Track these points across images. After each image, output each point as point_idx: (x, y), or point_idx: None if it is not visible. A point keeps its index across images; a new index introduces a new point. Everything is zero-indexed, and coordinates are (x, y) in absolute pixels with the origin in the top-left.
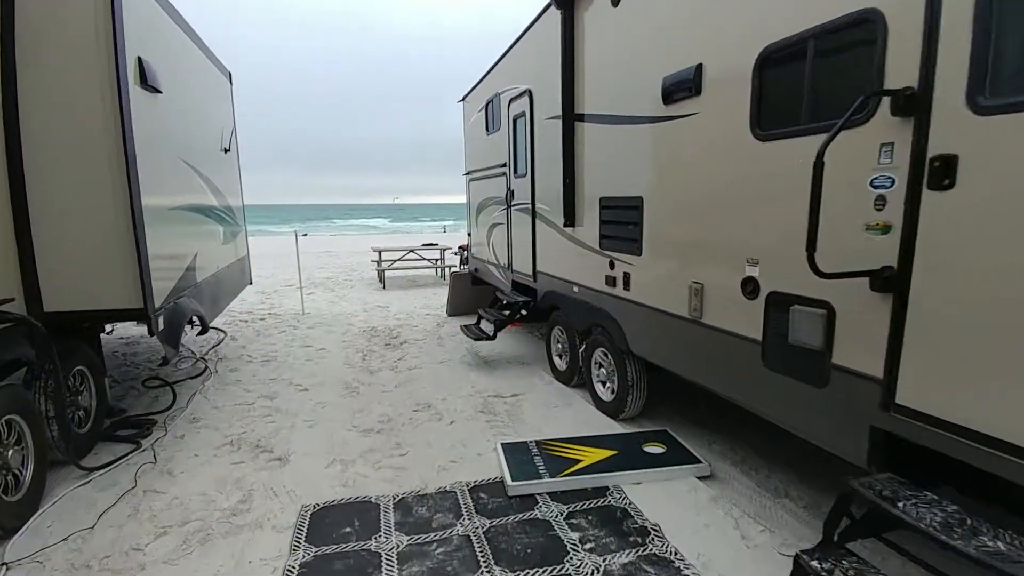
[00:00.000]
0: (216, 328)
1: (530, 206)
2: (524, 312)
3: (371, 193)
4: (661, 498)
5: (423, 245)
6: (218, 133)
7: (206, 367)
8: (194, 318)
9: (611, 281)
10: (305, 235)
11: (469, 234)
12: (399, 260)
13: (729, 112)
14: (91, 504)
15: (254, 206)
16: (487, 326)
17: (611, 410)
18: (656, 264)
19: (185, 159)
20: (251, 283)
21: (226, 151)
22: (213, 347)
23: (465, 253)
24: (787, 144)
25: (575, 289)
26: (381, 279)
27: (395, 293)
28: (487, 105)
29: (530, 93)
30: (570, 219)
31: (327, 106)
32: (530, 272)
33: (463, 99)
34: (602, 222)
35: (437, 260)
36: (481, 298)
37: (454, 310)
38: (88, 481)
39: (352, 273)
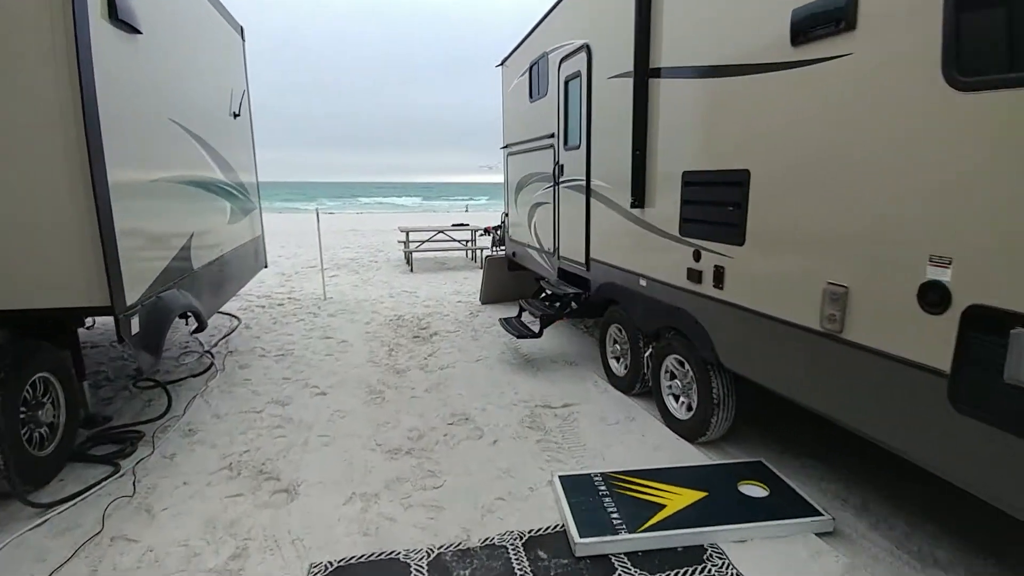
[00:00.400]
0: (229, 314)
1: (584, 183)
2: (574, 306)
3: (401, 171)
4: (775, 566)
5: (453, 225)
6: (226, 95)
7: (212, 363)
8: (188, 314)
9: (695, 276)
10: (331, 213)
11: (506, 215)
12: (428, 241)
13: (905, 51)
14: (40, 556)
15: (279, 183)
16: (531, 321)
17: (687, 431)
18: (767, 257)
19: (178, 121)
20: (266, 266)
21: (235, 116)
22: (224, 337)
23: (497, 234)
24: (1012, 96)
25: (642, 283)
26: (408, 261)
27: (423, 277)
28: (531, 68)
29: (588, 49)
30: (639, 198)
31: (357, 81)
32: (582, 260)
33: (502, 63)
34: (684, 202)
35: (468, 242)
36: (518, 285)
37: (488, 298)
38: (43, 522)
39: (378, 254)
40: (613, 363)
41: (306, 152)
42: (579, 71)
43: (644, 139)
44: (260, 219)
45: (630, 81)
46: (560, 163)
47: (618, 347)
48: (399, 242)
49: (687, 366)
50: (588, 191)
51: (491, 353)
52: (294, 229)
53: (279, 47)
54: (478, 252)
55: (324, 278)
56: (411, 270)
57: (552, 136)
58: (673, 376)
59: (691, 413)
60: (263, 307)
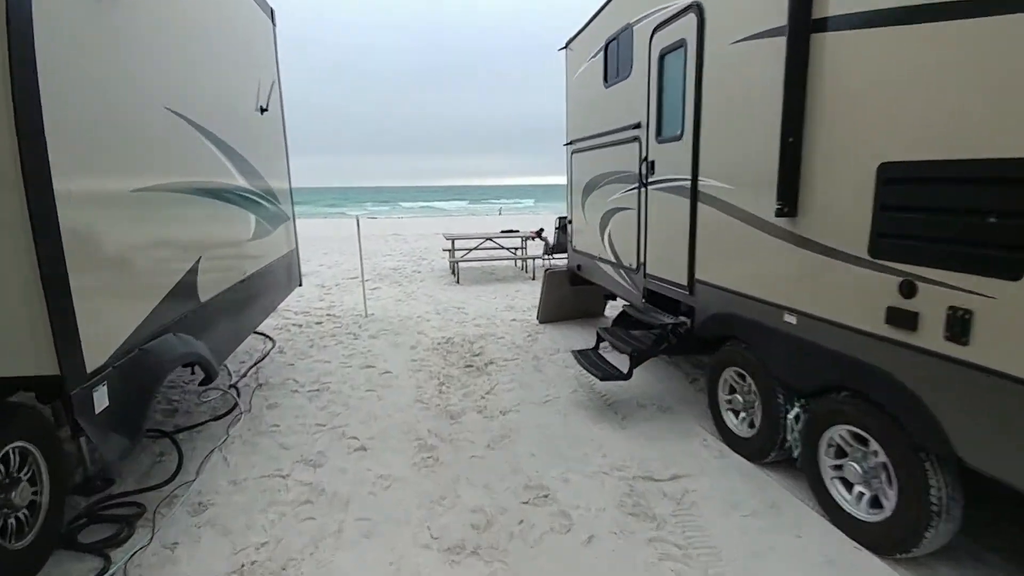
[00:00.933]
0: (263, 334)
1: (687, 183)
2: (673, 340)
3: (446, 174)
4: None
5: (502, 232)
6: (250, 86)
7: (236, 403)
8: (191, 365)
9: (904, 320)
10: (374, 218)
11: (569, 221)
12: (475, 249)
13: None
14: None
15: (325, 188)
16: (617, 360)
17: (878, 539)
18: None
19: (181, 112)
20: (300, 284)
21: (263, 111)
22: (254, 365)
23: (550, 241)
24: None
25: (788, 319)
26: (454, 272)
27: (471, 289)
28: (607, 46)
29: (698, 8)
30: (788, 203)
31: (404, 83)
32: (682, 281)
33: (565, 46)
34: (883, 209)
35: (518, 249)
36: (582, 301)
37: (548, 316)
38: None
39: (421, 262)
40: (730, 418)
41: (353, 157)
42: (683, 40)
43: (800, 121)
44: (294, 231)
45: (773, 42)
46: (649, 159)
47: (739, 398)
48: (444, 250)
49: (874, 444)
50: (694, 193)
51: (561, 391)
52: (337, 234)
53: (334, 66)
54: (530, 263)
55: (365, 292)
56: (457, 281)
57: (637, 127)
58: (842, 453)
59: (884, 514)
60: (300, 326)
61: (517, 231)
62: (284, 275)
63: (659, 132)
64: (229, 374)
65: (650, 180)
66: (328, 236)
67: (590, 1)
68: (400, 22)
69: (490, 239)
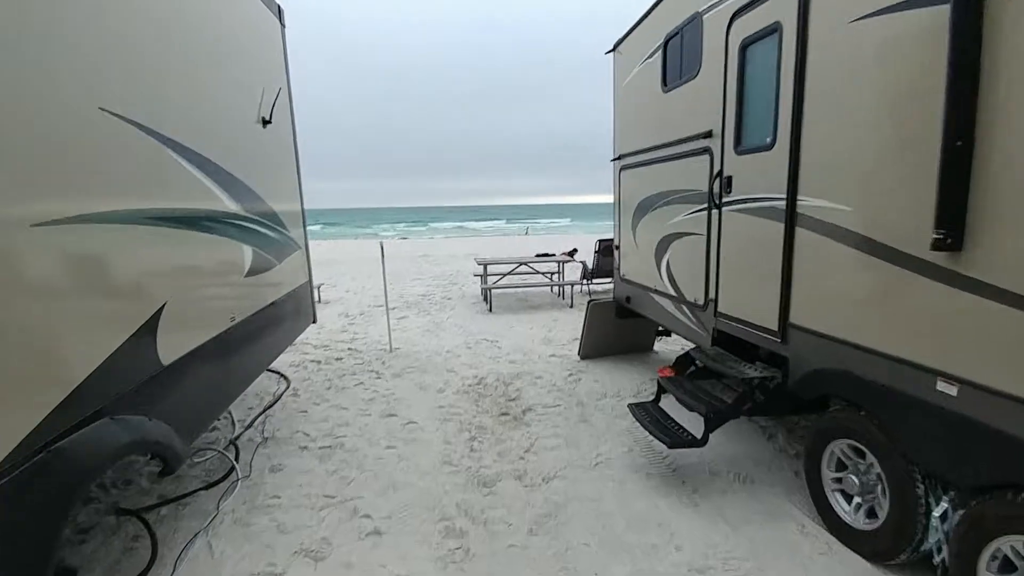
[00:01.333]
0: (277, 373)
1: (781, 203)
2: (760, 397)
3: (480, 194)
4: None
5: (537, 256)
6: (250, 93)
7: (233, 467)
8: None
9: None
10: (404, 238)
11: (616, 246)
12: (509, 273)
13: None
14: None
15: (356, 209)
16: (680, 413)
17: None
18: None
19: (130, 117)
20: (315, 321)
21: (266, 123)
22: (263, 412)
23: (589, 266)
24: None
25: (946, 388)
26: (486, 299)
27: (504, 319)
28: (667, 44)
29: None
30: (952, 230)
31: (445, 104)
32: (770, 324)
33: (613, 49)
34: None
35: (554, 274)
36: (629, 335)
37: (591, 351)
38: None
39: (451, 288)
40: (838, 502)
41: (388, 178)
42: (776, 24)
43: (971, 117)
44: (307, 261)
45: (920, 16)
46: (725, 175)
47: (853, 479)
48: (475, 275)
49: None
50: (791, 216)
51: (613, 449)
52: (366, 256)
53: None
54: (566, 289)
55: (390, 324)
56: (489, 310)
57: (706, 136)
58: (1009, 566)
59: None
60: (318, 362)
61: (553, 255)
62: (292, 314)
63: (739, 141)
64: (232, 423)
65: (726, 200)
66: (358, 258)
67: (624, 15)
68: (439, 41)
69: (524, 263)
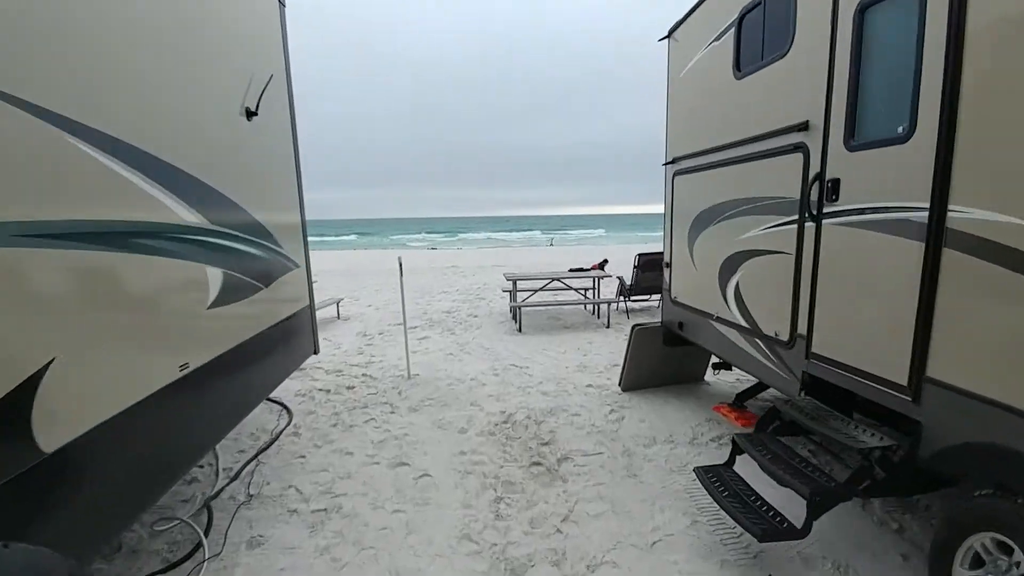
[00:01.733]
0: (278, 403)
1: (922, 215)
2: (880, 472)
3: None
4: None
5: (570, 270)
6: (230, 79)
7: (200, 542)
8: None
9: None
10: (433, 248)
11: (666, 263)
12: (541, 289)
13: None
14: None
15: (396, 220)
16: (775, 492)
17: None
18: None
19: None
20: (316, 352)
21: (251, 114)
22: (254, 458)
23: (626, 281)
24: None
25: None
26: (515, 317)
27: (535, 340)
28: (742, 19)
29: None
30: None
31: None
32: (897, 376)
33: (668, 35)
34: None
35: (588, 290)
36: (679, 365)
37: (634, 383)
38: None
39: (478, 303)
40: None
41: (425, 187)
42: None
43: None
44: (307, 280)
45: None
46: (828, 176)
47: None
48: (504, 291)
49: None
50: (936, 232)
51: (673, 522)
52: (395, 267)
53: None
54: (605, 308)
55: (408, 347)
56: (519, 329)
57: (801, 128)
58: None
59: None
60: (327, 391)
61: (586, 269)
62: (282, 348)
63: (852, 133)
64: (216, 472)
65: (828, 210)
66: (386, 269)
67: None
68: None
69: (556, 279)
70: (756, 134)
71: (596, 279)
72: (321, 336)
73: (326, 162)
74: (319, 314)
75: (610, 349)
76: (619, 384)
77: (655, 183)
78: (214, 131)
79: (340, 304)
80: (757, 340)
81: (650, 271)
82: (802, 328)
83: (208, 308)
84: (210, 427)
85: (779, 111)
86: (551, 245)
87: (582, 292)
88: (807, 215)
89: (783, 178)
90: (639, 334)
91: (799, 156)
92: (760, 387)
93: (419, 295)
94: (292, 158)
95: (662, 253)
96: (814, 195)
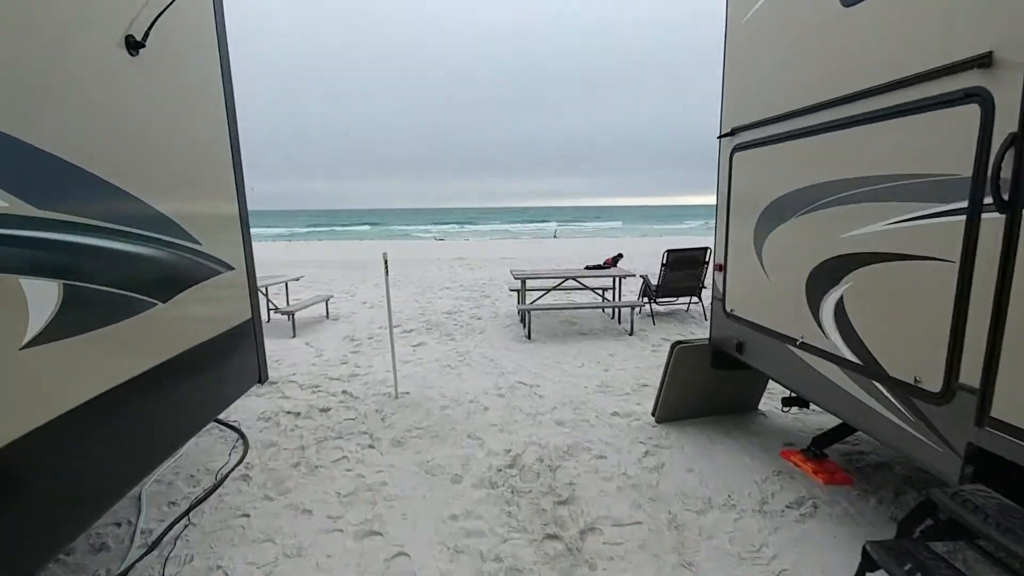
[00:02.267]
0: (232, 428)
1: None
2: None
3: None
4: None
5: (587, 268)
6: None
7: None
8: None
9: None
10: (441, 239)
11: (718, 266)
12: (553, 289)
13: None
14: None
15: (409, 209)
16: None
17: None
18: None
19: None
20: (262, 380)
21: (139, 46)
22: (187, 513)
23: (652, 282)
24: None
25: None
26: (524, 321)
27: (546, 350)
28: None
29: None
30: None
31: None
32: None
33: None
34: None
35: (606, 290)
36: (726, 392)
37: (672, 413)
38: None
39: (483, 301)
40: None
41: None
42: None
43: None
44: (248, 286)
45: None
46: None
47: None
48: (511, 290)
49: None
50: None
51: None
52: (402, 258)
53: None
54: (628, 312)
55: (399, 358)
56: (528, 336)
57: (982, 62)
58: None
59: None
60: (297, 415)
61: (602, 265)
62: (195, 387)
63: None
64: (133, 533)
65: None
66: (392, 260)
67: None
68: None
69: (571, 277)
70: (882, 82)
71: (616, 278)
72: (303, 341)
73: (362, 152)
74: (304, 314)
75: (636, 363)
76: (652, 413)
77: (677, 174)
78: (49, 61)
79: (330, 302)
80: (876, 384)
81: (679, 270)
82: (969, 376)
83: (24, 348)
84: (31, 538)
85: (931, 44)
86: (555, 237)
87: (599, 293)
88: (999, 203)
89: (937, 145)
90: (681, 354)
91: (973, 108)
92: (846, 429)
93: (419, 291)
94: (223, 123)
95: (696, 250)
96: (1006, 170)
